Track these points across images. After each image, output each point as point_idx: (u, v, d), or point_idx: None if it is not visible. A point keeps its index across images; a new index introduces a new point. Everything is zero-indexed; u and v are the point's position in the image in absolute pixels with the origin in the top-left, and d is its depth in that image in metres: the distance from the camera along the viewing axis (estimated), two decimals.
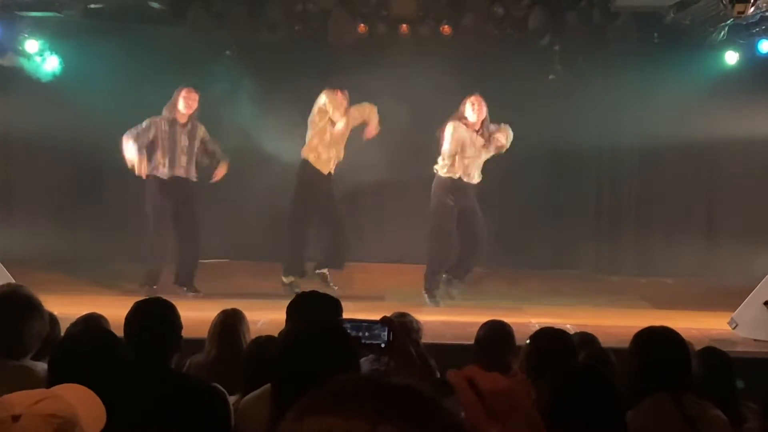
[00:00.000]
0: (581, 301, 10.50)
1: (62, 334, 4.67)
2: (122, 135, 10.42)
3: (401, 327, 4.77)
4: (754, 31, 10.43)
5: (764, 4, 8.72)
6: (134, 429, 3.05)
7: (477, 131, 9.92)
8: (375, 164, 10.52)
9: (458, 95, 10.78)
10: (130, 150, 9.92)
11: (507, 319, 5.44)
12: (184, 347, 4.26)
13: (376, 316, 2.98)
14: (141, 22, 10.77)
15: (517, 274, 10.96)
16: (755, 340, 8.21)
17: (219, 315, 5.66)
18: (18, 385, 3.56)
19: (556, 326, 5.15)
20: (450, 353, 5.87)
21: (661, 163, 11.80)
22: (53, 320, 4.67)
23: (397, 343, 2.88)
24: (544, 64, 11.25)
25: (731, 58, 11.06)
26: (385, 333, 2.87)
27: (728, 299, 9.17)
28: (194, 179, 10.30)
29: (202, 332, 5.66)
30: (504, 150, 9.94)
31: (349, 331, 2.83)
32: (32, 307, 3.99)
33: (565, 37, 10.90)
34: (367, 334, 2.83)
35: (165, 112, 10.13)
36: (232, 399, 3.88)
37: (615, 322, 8.44)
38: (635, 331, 4.29)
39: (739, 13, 8.18)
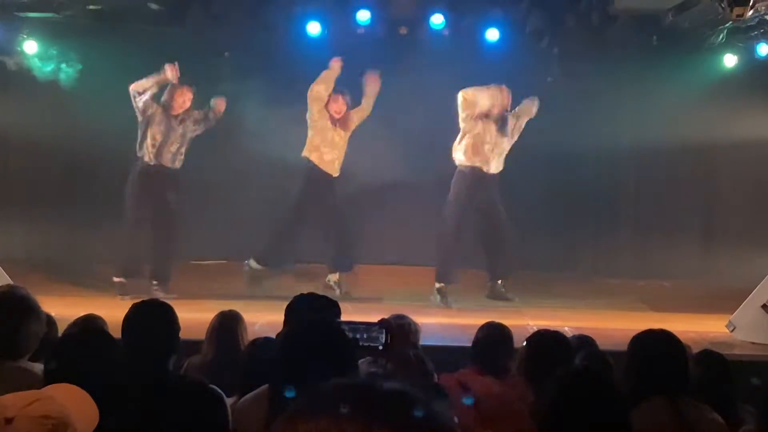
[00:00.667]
0: (579, 303, 10.50)
1: (60, 335, 4.66)
2: (121, 136, 10.46)
3: (399, 329, 4.77)
4: (753, 34, 10.43)
5: (763, 8, 8.72)
6: (131, 431, 3.05)
7: (495, 120, 10.03)
8: (373, 166, 10.53)
9: (455, 98, 10.80)
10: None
11: (505, 321, 5.44)
12: (181, 349, 4.26)
13: (374, 318, 2.98)
14: (139, 23, 10.76)
15: (515, 276, 10.93)
16: (753, 343, 8.21)
17: (217, 316, 5.66)
18: (15, 386, 3.55)
19: (554, 329, 5.15)
20: (448, 355, 5.86)
21: (659, 166, 11.80)
22: (51, 321, 4.66)
23: (395, 346, 2.88)
24: (543, 66, 11.25)
25: (730, 61, 11.07)
26: (383, 335, 2.87)
27: (726, 302, 9.18)
28: (177, 167, 10.28)
29: (200, 334, 5.66)
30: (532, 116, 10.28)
31: (347, 333, 2.83)
32: (30, 308, 3.99)
33: (564, 40, 10.91)
34: (365, 336, 2.84)
35: (162, 98, 10.19)
36: (229, 401, 3.88)
37: (613, 325, 8.44)
38: (633, 333, 4.29)
39: (737, 16, 8.18)
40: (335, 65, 10.39)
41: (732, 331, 8.47)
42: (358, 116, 10.56)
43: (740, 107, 11.16)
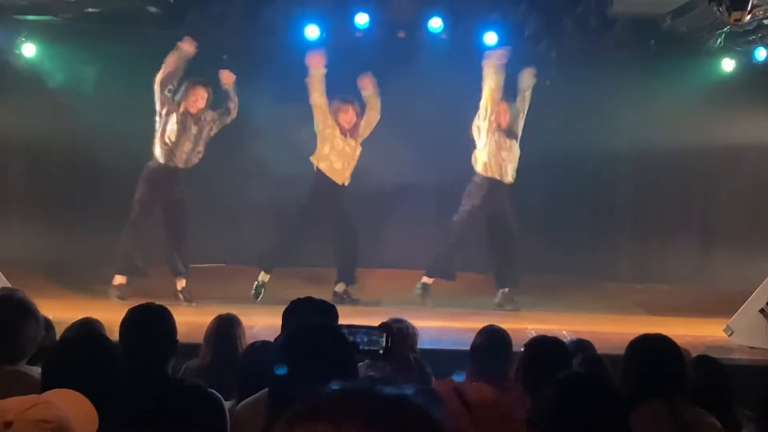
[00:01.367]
0: (577, 307, 10.50)
1: (57, 338, 4.66)
2: (119, 138, 10.48)
3: (398, 333, 4.77)
4: (751, 38, 10.44)
5: (761, 12, 8.73)
6: None
7: (506, 131, 10.18)
8: (368, 168, 10.52)
9: (454, 101, 10.81)
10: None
11: (503, 325, 5.44)
12: (180, 352, 4.26)
13: (373, 322, 2.98)
14: (138, 25, 10.76)
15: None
16: (751, 347, 8.21)
17: (215, 320, 5.66)
18: (13, 390, 3.55)
19: (552, 332, 5.15)
20: (446, 359, 5.86)
21: (657, 170, 11.80)
22: (48, 325, 4.65)
23: (395, 350, 2.88)
24: (541, 69, 11.25)
25: (728, 65, 11.08)
26: (384, 339, 2.87)
27: (724, 306, 9.18)
28: (194, 163, 10.26)
29: (198, 337, 5.66)
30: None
31: (347, 336, 2.83)
32: (28, 311, 3.98)
33: (562, 44, 10.92)
34: (365, 340, 2.84)
35: (177, 97, 10.15)
36: (227, 404, 3.87)
37: (611, 329, 8.44)
38: (631, 337, 4.29)
39: (735, 20, 8.18)
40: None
41: (730, 335, 8.47)
42: (367, 124, 10.53)
43: (738, 111, 11.17)
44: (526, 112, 10.46)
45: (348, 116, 10.33)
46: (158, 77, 10.10)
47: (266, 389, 3.43)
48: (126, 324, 4.11)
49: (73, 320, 5.30)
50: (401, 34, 11.02)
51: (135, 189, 10.22)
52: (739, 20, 8.21)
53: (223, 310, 5.93)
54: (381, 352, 2.86)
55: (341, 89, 10.64)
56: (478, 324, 5.54)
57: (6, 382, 3.68)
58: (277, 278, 10.73)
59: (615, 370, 4.55)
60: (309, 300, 4.40)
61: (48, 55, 11.06)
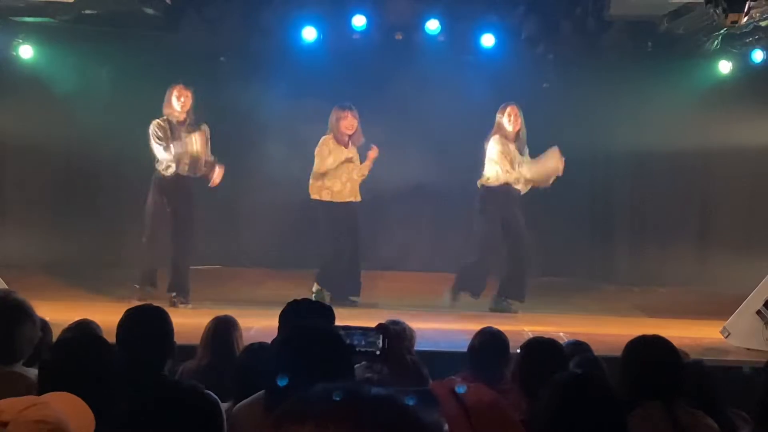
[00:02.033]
0: (574, 309, 10.49)
1: (54, 340, 4.65)
2: (116, 140, 10.47)
3: (395, 334, 4.77)
4: (748, 40, 10.46)
5: (757, 14, 8.74)
6: None
7: (513, 141, 10.01)
8: (371, 173, 10.51)
9: (452, 103, 10.82)
10: (161, 152, 9.82)
11: (500, 327, 5.44)
12: (176, 354, 4.26)
13: (369, 324, 2.98)
14: (135, 27, 10.75)
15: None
16: (747, 349, 8.21)
17: (212, 321, 5.66)
18: (9, 391, 3.54)
19: (549, 334, 5.14)
20: (443, 361, 5.86)
21: (654, 172, 11.81)
22: (45, 326, 4.65)
23: (392, 352, 2.88)
24: (538, 72, 11.26)
25: (725, 67, 11.09)
26: (380, 341, 2.87)
27: (721, 308, 9.18)
28: (197, 175, 10.17)
29: (195, 339, 5.66)
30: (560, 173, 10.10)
31: (343, 338, 2.83)
32: (24, 312, 3.98)
33: (559, 46, 10.93)
34: (362, 341, 2.83)
35: (164, 112, 10.05)
36: (224, 406, 3.87)
37: (608, 331, 8.44)
38: (628, 339, 4.29)
39: (732, 22, 8.18)
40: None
41: (726, 337, 8.46)
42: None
43: (735, 113, 11.18)
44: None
45: (348, 122, 10.19)
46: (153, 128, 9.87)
47: (263, 391, 3.43)
48: (123, 325, 4.10)
49: (70, 322, 5.29)
50: (398, 36, 11.04)
51: (146, 203, 10.12)
52: (736, 22, 8.20)
53: (220, 311, 5.93)
54: (378, 353, 2.86)
55: (338, 92, 10.63)
56: (476, 326, 5.54)
57: (2, 384, 3.68)
58: (258, 282, 10.73)
59: (612, 372, 4.55)
60: (306, 301, 4.40)
61: (45, 58, 11.06)
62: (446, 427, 1.30)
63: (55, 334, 4.93)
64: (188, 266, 10.19)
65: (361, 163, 10.19)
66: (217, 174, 10.08)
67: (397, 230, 11.50)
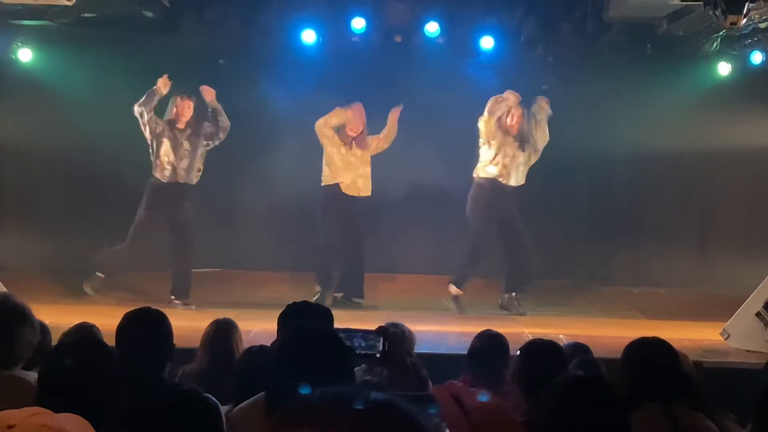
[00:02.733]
0: (574, 311, 10.51)
1: (54, 343, 4.65)
2: (115, 143, 10.49)
3: (395, 337, 4.77)
4: (747, 42, 10.46)
5: (756, 16, 8.74)
6: None
7: (513, 136, 10.12)
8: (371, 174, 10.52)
9: (451, 105, 10.81)
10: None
11: (500, 329, 5.44)
12: (176, 357, 4.25)
13: (369, 326, 2.97)
14: (134, 31, 10.75)
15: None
16: (747, 350, 8.21)
17: (211, 324, 5.65)
18: (8, 395, 3.55)
19: (549, 336, 5.15)
20: (443, 364, 5.86)
21: (654, 174, 11.81)
22: (44, 329, 4.65)
23: (392, 354, 2.88)
24: (538, 74, 11.26)
25: (724, 69, 11.09)
26: (381, 343, 2.87)
27: (720, 310, 9.18)
28: (193, 182, 10.24)
29: (195, 342, 5.65)
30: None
31: (344, 340, 2.83)
32: (23, 316, 3.98)
33: (559, 48, 10.92)
34: (362, 344, 2.83)
35: (166, 115, 10.11)
36: (224, 409, 3.87)
37: (607, 333, 8.44)
38: (627, 341, 4.29)
39: (731, 24, 8.18)
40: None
41: (726, 338, 8.47)
42: (375, 143, 10.46)
43: (734, 115, 11.18)
44: (534, 130, 10.36)
45: (354, 124, 10.27)
46: (135, 107, 10.04)
47: (262, 393, 3.42)
48: (122, 328, 4.10)
49: (70, 325, 5.29)
50: (398, 39, 11.03)
51: (138, 206, 10.16)
52: (735, 24, 8.21)
53: (220, 314, 5.92)
54: (378, 356, 2.86)
55: (337, 94, 10.63)
56: (476, 328, 5.54)
57: (1, 387, 3.68)
58: (257, 284, 10.73)
59: (612, 374, 4.55)
60: (305, 304, 4.40)
61: (44, 61, 11.06)
62: (447, 431, 1.30)
63: (55, 337, 4.93)
64: (190, 269, 10.23)
65: (374, 168, 10.34)
66: (205, 93, 10.21)
67: (397, 232, 11.49)
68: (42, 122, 11.10)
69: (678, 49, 10.74)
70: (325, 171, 10.37)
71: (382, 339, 2.86)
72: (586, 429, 2.98)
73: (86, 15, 10.20)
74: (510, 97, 10.17)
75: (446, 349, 7.32)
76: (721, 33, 9.91)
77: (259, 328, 7.32)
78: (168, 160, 10.04)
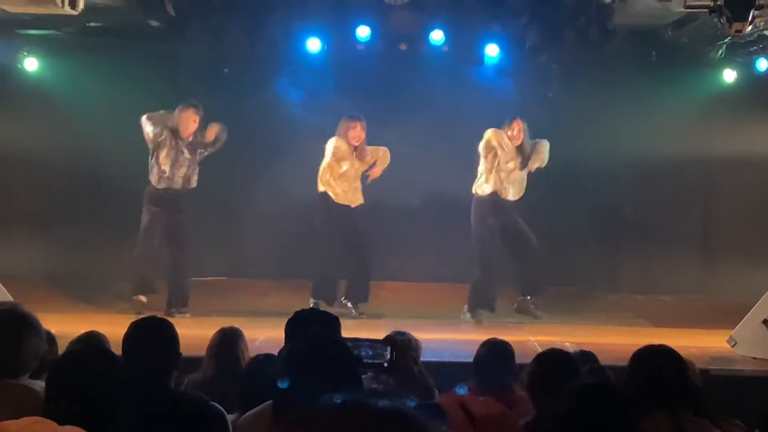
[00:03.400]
0: (579, 318, 10.49)
1: (60, 352, 4.66)
2: (121, 152, 10.50)
3: (401, 345, 4.76)
4: (752, 49, 10.45)
5: (762, 23, 8.73)
6: None
7: (510, 152, 10.11)
8: (373, 183, 10.51)
9: (456, 113, 10.82)
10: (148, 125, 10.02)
11: (506, 337, 5.44)
12: (182, 365, 4.25)
13: (374, 334, 2.97)
14: (139, 39, 10.78)
15: (515, 291, 10.90)
16: (754, 358, 8.19)
17: (217, 333, 5.65)
18: (16, 404, 3.55)
19: (555, 344, 5.14)
20: (449, 372, 5.85)
21: (659, 181, 11.80)
22: (51, 338, 4.65)
23: (399, 363, 2.87)
24: (543, 81, 11.27)
25: (729, 76, 11.09)
26: (388, 352, 2.86)
27: (727, 317, 9.16)
28: (191, 187, 10.24)
29: (200, 350, 5.65)
30: (543, 166, 10.30)
31: (351, 349, 2.83)
32: (30, 325, 3.98)
33: (564, 55, 10.93)
34: (369, 353, 2.83)
35: (168, 124, 10.11)
36: (230, 417, 3.87)
37: (613, 340, 8.42)
38: (634, 349, 4.28)
39: (736, 31, 8.18)
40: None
41: (733, 346, 8.44)
42: (373, 156, 10.45)
43: (740, 122, 11.17)
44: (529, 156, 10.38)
45: (356, 132, 10.24)
46: (145, 117, 10.05)
47: (270, 402, 3.42)
48: (129, 337, 4.10)
49: (77, 334, 5.29)
50: (403, 47, 11.04)
51: (141, 215, 10.19)
52: (740, 31, 8.21)
53: (225, 323, 5.92)
54: (385, 365, 2.85)
55: (342, 102, 10.64)
56: (481, 336, 5.53)
57: (8, 397, 3.68)
58: (263, 293, 10.72)
59: (618, 381, 4.54)
60: (312, 311, 4.40)
61: (50, 70, 11.09)
62: None
63: (62, 346, 4.93)
64: (187, 278, 10.22)
65: (378, 178, 10.35)
66: (209, 132, 10.18)
67: (402, 240, 11.49)
68: (48, 131, 11.11)
69: (683, 56, 10.74)
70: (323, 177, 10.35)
71: (389, 348, 2.85)
72: None
73: (92, 24, 10.24)
74: (512, 122, 10.20)
75: (452, 357, 7.31)
76: (726, 40, 9.90)
77: (264, 336, 7.32)
78: (165, 167, 10.06)
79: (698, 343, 8.50)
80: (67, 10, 8.45)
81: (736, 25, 8.08)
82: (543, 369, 4.52)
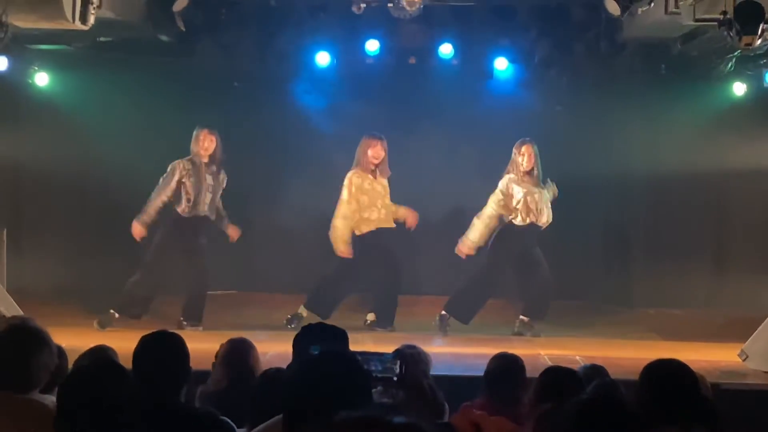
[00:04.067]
0: (590, 332, 10.45)
1: (71, 366, 4.66)
2: (131, 166, 10.51)
3: (411, 359, 4.76)
4: (762, 62, 10.44)
5: None
6: None
7: (528, 173, 10.07)
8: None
9: (466, 127, 10.83)
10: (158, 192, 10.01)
11: (516, 351, 5.43)
12: (192, 379, 4.25)
13: (383, 348, 2.97)
14: (150, 54, 10.82)
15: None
16: (765, 372, 8.15)
17: (226, 343, 5.61)
18: (27, 419, 3.56)
19: (566, 358, 5.13)
20: (459, 386, 5.84)
21: (669, 194, 11.78)
22: (61, 353, 4.65)
23: (409, 377, 2.87)
24: (552, 95, 11.27)
25: (739, 89, 11.08)
26: (398, 366, 2.86)
27: (738, 331, 9.13)
28: (214, 217, 10.23)
29: (209, 364, 5.63)
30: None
31: (361, 363, 2.82)
32: (40, 339, 3.99)
33: (573, 69, 10.93)
34: (379, 367, 2.83)
35: (191, 150, 10.07)
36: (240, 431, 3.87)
37: (624, 354, 8.39)
38: (644, 363, 4.27)
39: (746, 44, 8.17)
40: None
41: (744, 360, 8.41)
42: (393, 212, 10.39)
43: (750, 135, 11.16)
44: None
45: (376, 151, 10.19)
46: (177, 164, 10.00)
47: (279, 416, 3.42)
48: (139, 351, 4.10)
49: (86, 348, 5.29)
50: (412, 61, 11.06)
51: (154, 233, 10.14)
52: (750, 44, 8.20)
53: (235, 336, 5.91)
54: (395, 379, 2.85)
55: (352, 116, 10.66)
56: (491, 350, 5.52)
57: (19, 411, 3.68)
58: (274, 306, 10.71)
59: (629, 395, 4.52)
60: (320, 326, 4.39)
61: (61, 85, 11.13)
62: None
63: (71, 360, 4.93)
64: (203, 294, 10.21)
65: (390, 193, 10.27)
66: (234, 231, 10.24)
67: (413, 254, 11.47)
68: (58, 146, 11.15)
69: (692, 69, 10.74)
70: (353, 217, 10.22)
71: (399, 362, 2.85)
72: None
73: (102, 39, 10.28)
74: (522, 146, 10.13)
75: (462, 371, 7.29)
76: (735, 53, 9.89)
77: (274, 350, 7.31)
78: (189, 196, 10.01)
79: (709, 357, 8.47)
80: (78, 25, 8.50)
81: (746, 39, 8.08)
82: (548, 386, 4.51)
